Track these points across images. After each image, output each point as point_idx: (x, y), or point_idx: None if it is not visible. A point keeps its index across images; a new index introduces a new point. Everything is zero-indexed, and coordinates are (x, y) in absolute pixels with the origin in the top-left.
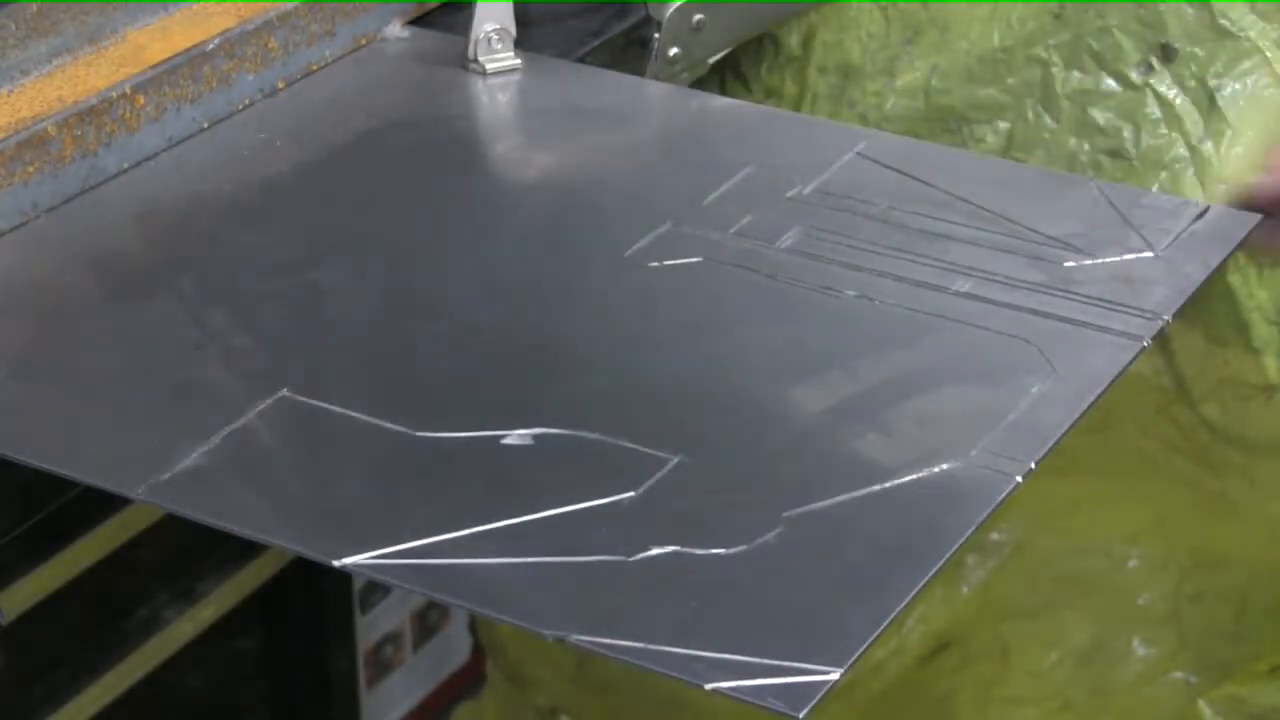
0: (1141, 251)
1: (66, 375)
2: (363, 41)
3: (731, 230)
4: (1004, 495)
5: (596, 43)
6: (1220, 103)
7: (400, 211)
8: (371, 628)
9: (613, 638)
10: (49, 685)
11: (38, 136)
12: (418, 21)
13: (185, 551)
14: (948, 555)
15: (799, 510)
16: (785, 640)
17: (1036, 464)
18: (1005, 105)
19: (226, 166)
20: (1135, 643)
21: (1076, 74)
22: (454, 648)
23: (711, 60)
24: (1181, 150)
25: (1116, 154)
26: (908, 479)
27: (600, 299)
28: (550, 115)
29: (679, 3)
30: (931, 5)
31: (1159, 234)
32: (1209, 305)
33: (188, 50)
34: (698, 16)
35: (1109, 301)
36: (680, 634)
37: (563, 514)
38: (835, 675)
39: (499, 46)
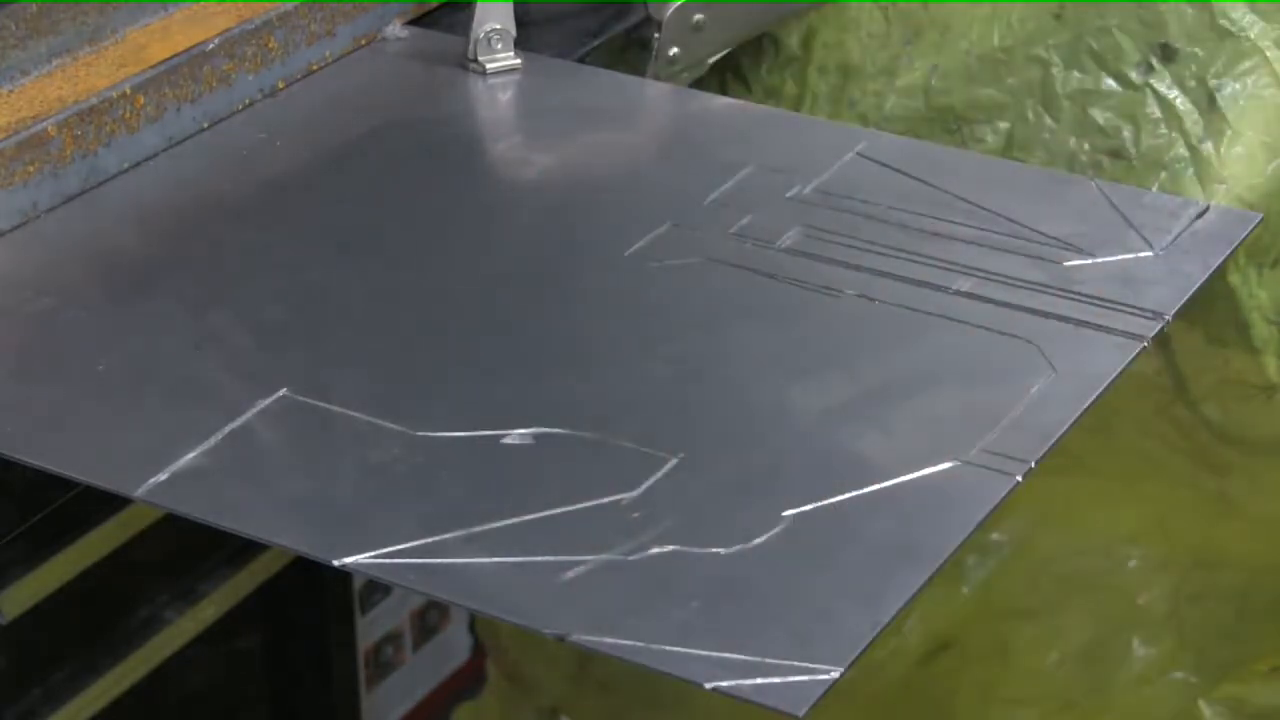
0: (1142, 251)
1: (66, 375)
2: (363, 41)
3: (731, 230)
4: (1004, 495)
5: (596, 43)
6: (1220, 103)
7: (400, 211)
8: (371, 628)
9: (613, 638)
10: (49, 685)
11: (38, 136)
12: (418, 21)
13: (185, 551)
14: (948, 555)
15: (799, 510)
16: (785, 639)
17: (1036, 464)
18: (1005, 105)
19: (226, 166)
20: (1135, 643)
21: (1076, 74)
22: (454, 648)
23: (711, 60)
24: (1181, 150)
25: (1116, 154)
26: (908, 479)
27: (600, 299)
28: (550, 115)
29: (679, 3)
30: (931, 5)
31: (1159, 234)
32: (1209, 305)
33: (188, 50)
34: (698, 16)
35: (1109, 301)
36: (680, 634)
37: (562, 514)
38: (835, 674)
39: (499, 46)
